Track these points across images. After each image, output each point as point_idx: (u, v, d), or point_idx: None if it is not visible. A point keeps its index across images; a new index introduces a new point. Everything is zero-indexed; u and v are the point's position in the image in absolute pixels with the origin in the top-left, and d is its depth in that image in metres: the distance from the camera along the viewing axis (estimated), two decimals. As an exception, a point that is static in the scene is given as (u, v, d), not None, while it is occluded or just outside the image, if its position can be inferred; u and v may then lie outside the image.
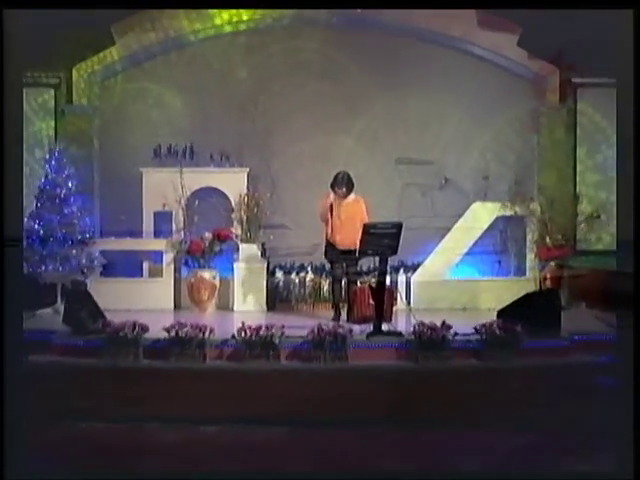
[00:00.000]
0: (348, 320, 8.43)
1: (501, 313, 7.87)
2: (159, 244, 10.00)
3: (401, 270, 10.07)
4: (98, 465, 5.67)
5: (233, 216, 10.13)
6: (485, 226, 10.10)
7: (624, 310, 7.76)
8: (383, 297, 7.87)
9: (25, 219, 9.24)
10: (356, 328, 7.66)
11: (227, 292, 9.85)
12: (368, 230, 7.82)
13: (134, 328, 7.36)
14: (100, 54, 10.65)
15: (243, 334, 7.28)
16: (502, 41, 10.74)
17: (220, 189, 10.36)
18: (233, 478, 5.52)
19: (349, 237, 8.51)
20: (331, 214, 8.72)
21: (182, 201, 10.04)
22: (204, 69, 10.84)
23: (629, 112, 7.08)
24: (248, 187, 10.29)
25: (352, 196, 8.81)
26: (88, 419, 6.59)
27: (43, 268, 9.16)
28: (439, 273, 10.00)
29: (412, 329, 7.42)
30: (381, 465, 5.74)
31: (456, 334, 7.36)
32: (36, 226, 9.24)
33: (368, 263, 9.06)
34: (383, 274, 7.89)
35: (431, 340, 7.28)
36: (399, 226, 7.84)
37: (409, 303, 9.52)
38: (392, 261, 8.69)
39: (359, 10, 10.34)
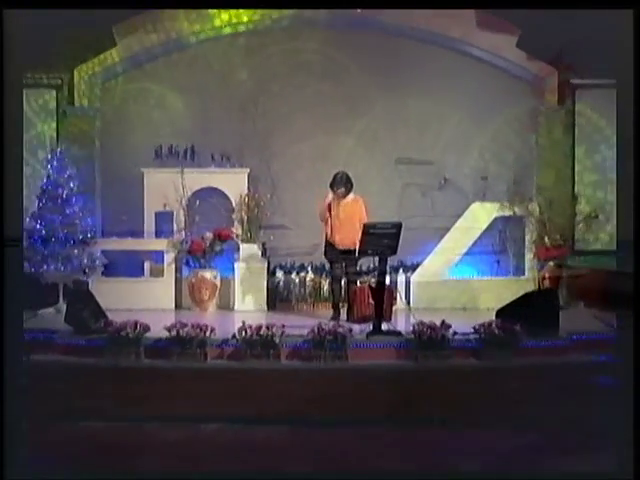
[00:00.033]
0: (348, 319, 8.46)
1: (500, 313, 7.90)
2: (160, 244, 10.02)
3: (401, 270, 10.09)
4: (99, 465, 5.66)
5: (234, 216, 10.16)
6: (484, 226, 10.11)
7: (622, 310, 7.80)
8: (383, 297, 7.90)
9: (27, 219, 9.28)
10: (356, 327, 7.69)
11: (228, 292, 9.87)
12: (368, 230, 7.85)
13: (135, 327, 7.40)
14: (101, 55, 10.67)
15: (244, 333, 7.31)
16: (501, 42, 10.77)
17: (221, 189, 10.37)
18: (233, 478, 5.52)
19: (348, 237, 8.55)
20: (330, 214, 8.75)
21: (183, 201, 10.06)
22: (205, 70, 10.87)
23: (629, 112, 7.09)
24: (249, 187, 10.31)
25: (351, 196, 8.83)
26: (89, 418, 6.58)
27: (45, 268, 9.18)
28: (438, 273, 10.01)
29: (411, 328, 7.47)
30: (381, 463, 5.74)
31: (455, 333, 7.39)
32: (38, 226, 9.26)
33: (368, 263, 9.05)
34: (383, 274, 7.92)
35: (430, 339, 7.32)
36: (399, 226, 7.87)
37: (409, 303, 9.56)
38: (392, 261, 8.70)
39: (359, 10, 10.37)
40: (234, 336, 7.36)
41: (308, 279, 10.10)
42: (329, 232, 8.79)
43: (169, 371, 7.20)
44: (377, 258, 7.96)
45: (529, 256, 10.07)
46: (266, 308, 9.74)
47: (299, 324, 7.69)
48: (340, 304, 8.89)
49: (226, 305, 9.86)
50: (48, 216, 9.31)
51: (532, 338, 7.48)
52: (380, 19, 10.68)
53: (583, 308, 9.48)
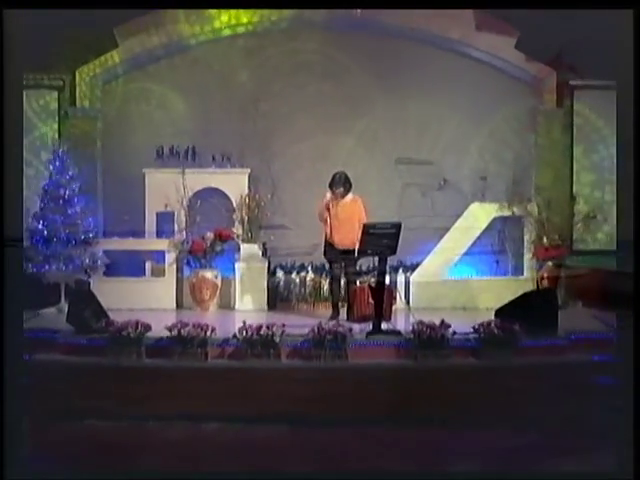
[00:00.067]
0: (348, 319, 8.47)
1: (499, 312, 7.92)
2: (161, 244, 10.03)
3: (400, 270, 10.10)
4: (99, 464, 5.69)
5: (234, 216, 10.17)
6: (483, 226, 10.12)
7: (620, 309, 7.85)
8: (382, 296, 7.92)
9: (30, 220, 9.31)
10: (356, 327, 7.72)
11: (228, 291, 9.90)
12: (367, 230, 7.87)
13: (137, 327, 7.41)
14: (102, 57, 10.71)
15: (244, 333, 7.33)
16: (500, 44, 10.81)
17: (221, 190, 10.39)
18: (233, 478, 5.54)
19: (348, 237, 8.58)
20: (329, 214, 8.77)
21: (184, 201, 10.07)
22: (206, 71, 10.89)
23: (629, 112, 7.13)
24: (249, 188, 10.32)
25: (350, 196, 8.85)
26: (91, 417, 6.62)
27: (47, 268, 9.20)
28: (438, 273, 10.02)
29: (411, 328, 7.49)
30: (380, 462, 5.78)
31: (454, 333, 7.41)
32: (40, 226, 9.27)
33: (367, 263, 9.10)
34: (382, 274, 7.94)
35: (430, 339, 7.34)
36: (398, 226, 7.89)
37: (408, 302, 9.59)
38: (391, 261, 8.71)
39: (358, 11, 10.41)
40: (235, 336, 7.38)
41: (308, 279, 10.11)
42: (328, 232, 8.81)
43: (170, 370, 7.23)
44: (377, 258, 7.98)
45: (528, 256, 10.07)
46: (266, 308, 9.75)
47: (299, 324, 7.71)
48: (339, 304, 8.92)
49: (227, 305, 9.88)
50: (50, 216, 9.33)
51: (531, 337, 7.50)
52: (380, 20, 10.71)
53: (581, 308, 9.51)
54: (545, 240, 9.82)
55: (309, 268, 10.23)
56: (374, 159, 10.96)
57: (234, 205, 10.24)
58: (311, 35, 10.89)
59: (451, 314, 8.31)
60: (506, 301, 8.06)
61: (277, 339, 7.32)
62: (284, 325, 7.43)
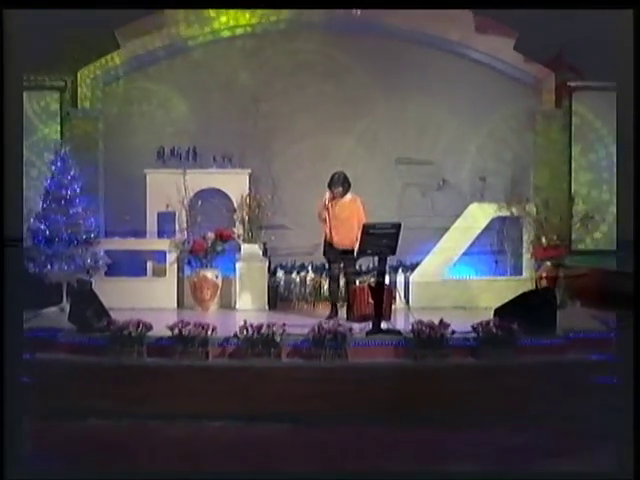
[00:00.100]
0: (348, 318, 8.45)
1: (498, 311, 7.93)
2: (162, 244, 10.04)
3: (400, 269, 10.12)
4: (100, 464, 5.71)
5: (235, 216, 10.18)
6: (482, 226, 10.14)
7: (619, 309, 7.87)
8: (382, 296, 7.92)
9: (31, 220, 9.33)
10: (356, 326, 7.74)
11: (229, 291, 9.91)
12: (367, 230, 7.88)
13: (138, 326, 7.43)
14: (104, 58, 10.75)
15: (245, 332, 7.36)
16: (499, 45, 10.85)
17: (222, 190, 10.39)
18: (234, 477, 5.56)
19: (347, 237, 8.59)
20: (328, 214, 8.78)
21: (185, 202, 10.07)
22: (206, 72, 10.92)
23: (629, 112, 7.14)
24: (250, 188, 10.33)
25: (349, 196, 8.85)
26: (92, 416, 6.65)
27: (49, 268, 9.21)
28: (437, 273, 10.04)
29: (411, 327, 7.51)
30: (380, 461, 5.81)
31: (454, 332, 7.43)
32: (42, 226, 9.29)
33: (367, 263, 9.12)
34: (382, 274, 7.95)
35: (429, 338, 7.37)
36: (398, 226, 7.90)
37: (408, 302, 9.60)
38: (391, 260, 8.71)
39: (358, 12, 10.44)
40: (235, 335, 7.41)
41: (308, 279, 10.12)
42: (328, 232, 8.82)
43: (171, 370, 7.25)
44: (376, 258, 8.00)
45: (527, 256, 10.09)
46: (267, 307, 9.77)
47: (300, 323, 7.74)
48: (338, 303, 8.95)
49: (227, 304, 9.89)
50: (52, 217, 9.34)
51: (529, 336, 7.52)
52: (379, 21, 10.73)
53: (580, 307, 9.53)
54: (544, 240, 9.83)
55: (309, 268, 10.24)
56: (374, 159, 10.98)
57: (235, 205, 10.25)
58: (311, 35, 10.91)
59: (450, 314, 8.30)
60: (505, 300, 8.07)
61: (277, 338, 7.34)
62: (284, 324, 7.46)
